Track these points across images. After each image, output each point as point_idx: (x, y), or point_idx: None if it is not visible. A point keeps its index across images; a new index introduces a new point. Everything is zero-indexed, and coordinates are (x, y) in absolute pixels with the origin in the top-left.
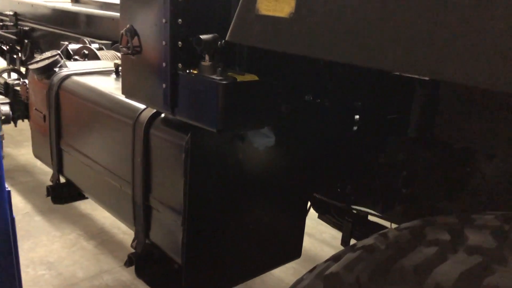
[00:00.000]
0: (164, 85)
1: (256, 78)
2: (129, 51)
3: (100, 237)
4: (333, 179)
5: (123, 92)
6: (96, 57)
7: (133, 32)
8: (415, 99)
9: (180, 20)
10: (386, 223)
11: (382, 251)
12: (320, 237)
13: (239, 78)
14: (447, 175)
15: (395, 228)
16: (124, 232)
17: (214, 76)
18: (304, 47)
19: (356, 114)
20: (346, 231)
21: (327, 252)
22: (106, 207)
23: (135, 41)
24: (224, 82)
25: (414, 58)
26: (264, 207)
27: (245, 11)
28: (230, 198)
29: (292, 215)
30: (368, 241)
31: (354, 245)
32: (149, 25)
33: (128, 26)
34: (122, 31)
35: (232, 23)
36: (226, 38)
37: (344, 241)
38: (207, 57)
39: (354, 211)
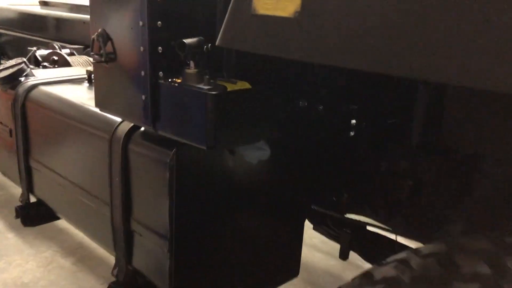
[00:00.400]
0: (143, 97)
1: (248, 85)
2: (102, 59)
3: (79, 253)
4: (329, 188)
5: (96, 105)
6: (67, 64)
7: (105, 37)
8: (417, 102)
9: (159, 22)
10: (384, 232)
11: (409, 287)
12: (310, 242)
13: (229, 87)
14: (454, 182)
15: (415, 253)
16: None
17: (201, 85)
18: (313, 53)
19: (353, 119)
20: (344, 243)
21: (318, 257)
22: (82, 230)
23: (109, 47)
24: (213, 92)
25: (441, 65)
26: (259, 226)
27: (238, 10)
28: (221, 219)
29: (289, 232)
30: (388, 271)
31: (371, 275)
32: (124, 29)
33: (100, 30)
34: (93, 36)
35: (223, 25)
36: (216, 43)
37: (343, 254)
38: (192, 64)
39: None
